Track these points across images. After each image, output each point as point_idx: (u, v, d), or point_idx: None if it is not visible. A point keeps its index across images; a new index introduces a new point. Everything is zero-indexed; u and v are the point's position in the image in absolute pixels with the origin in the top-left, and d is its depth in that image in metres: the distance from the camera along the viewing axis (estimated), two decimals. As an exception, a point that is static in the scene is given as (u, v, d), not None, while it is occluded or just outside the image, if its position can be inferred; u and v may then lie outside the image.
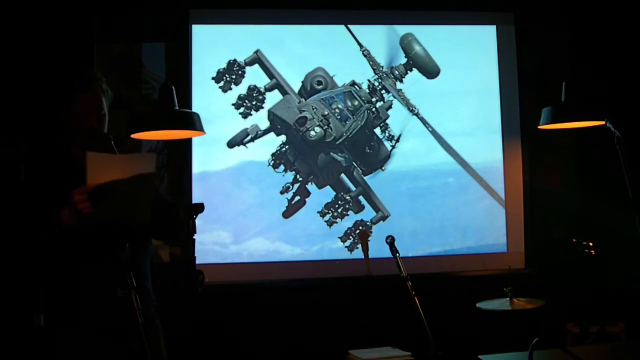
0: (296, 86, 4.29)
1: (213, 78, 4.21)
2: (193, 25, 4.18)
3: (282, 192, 4.24)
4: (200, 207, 2.42)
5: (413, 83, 4.40)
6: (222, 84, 4.22)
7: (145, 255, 2.59)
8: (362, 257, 4.24)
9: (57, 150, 2.50)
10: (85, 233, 2.29)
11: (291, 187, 4.25)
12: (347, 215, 4.31)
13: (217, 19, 4.24)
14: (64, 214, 2.25)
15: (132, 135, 2.90)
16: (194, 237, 2.42)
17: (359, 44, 4.36)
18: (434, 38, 4.43)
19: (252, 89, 4.24)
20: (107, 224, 2.28)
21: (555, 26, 4.48)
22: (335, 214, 4.29)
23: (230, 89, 4.23)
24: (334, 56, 4.33)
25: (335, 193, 4.30)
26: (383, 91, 4.37)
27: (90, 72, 2.49)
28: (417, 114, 4.39)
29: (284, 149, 4.26)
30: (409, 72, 4.40)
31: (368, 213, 4.32)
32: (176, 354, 2.78)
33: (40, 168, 2.45)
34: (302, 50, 4.31)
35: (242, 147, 4.21)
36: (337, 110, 4.31)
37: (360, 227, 4.30)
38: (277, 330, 4.05)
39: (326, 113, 4.29)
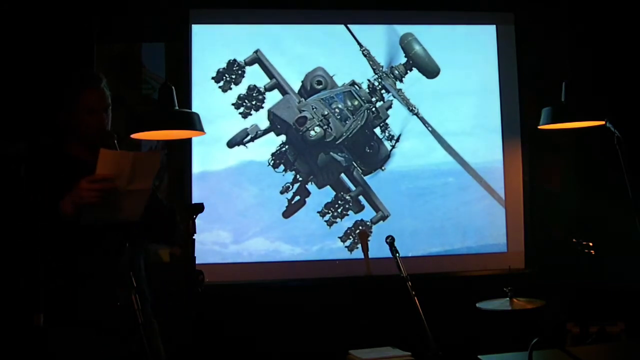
0: (296, 86, 4.29)
1: (213, 78, 4.21)
2: (193, 25, 4.18)
3: (282, 192, 4.24)
4: (200, 207, 2.42)
5: (413, 83, 4.40)
6: (222, 83, 4.22)
7: (140, 255, 2.59)
8: (362, 257, 4.24)
9: (54, 149, 2.50)
10: (85, 229, 2.29)
11: (291, 187, 4.25)
12: (347, 215, 4.30)
13: (217, 19, 4.24)
14: (66, 202, 2.25)
15: (132, 135, 2.91)
16: (194, 237, 2.42)
17: (359, 43, 4.36)
18: (433, 38, 4.43)
19: (252, 88, 4.24)
20: (103, 222, 2.29)
21: (555, 26, 4.48)
22: (335, 213, 4.29)
23: (230, 88, 4.23)
24: (333, 56, 4.33)
25: (335, 193, 4.30)
26: (383, 91, 4.36)
27: (94, 72, 2.50)
28: (417, 114, 4.39)
29: (284, 148, 4.26)
30: (408, 71, 4.40)
31: (368, 213, 4.32)
32: (176, 354, 2.78)
33: (39, 168, 2.46)
34: (302, 50, 4.31)
35: (242, 147, 4.21)
36: (337, 110, 4.31)
37: (360, 227, 4.30)
38: (277, 330, 4.05)
39: (326, 113, 4.29)
